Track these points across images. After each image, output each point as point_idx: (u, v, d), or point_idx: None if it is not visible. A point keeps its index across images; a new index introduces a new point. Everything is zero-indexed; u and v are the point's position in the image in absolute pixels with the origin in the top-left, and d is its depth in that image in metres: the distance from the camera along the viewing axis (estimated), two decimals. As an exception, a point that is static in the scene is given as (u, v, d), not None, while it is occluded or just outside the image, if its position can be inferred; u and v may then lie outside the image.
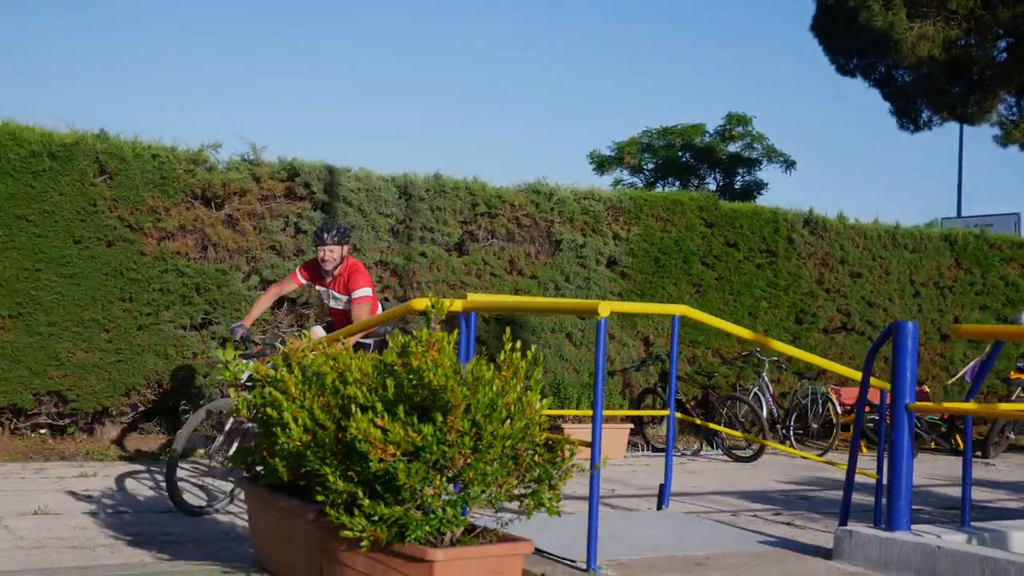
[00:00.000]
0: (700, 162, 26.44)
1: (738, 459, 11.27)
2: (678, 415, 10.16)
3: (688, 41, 59.89)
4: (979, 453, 11.91)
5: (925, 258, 14.04)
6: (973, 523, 5.63)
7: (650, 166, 26.90)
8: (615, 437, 11.06)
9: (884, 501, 5.22)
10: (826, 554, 5.17)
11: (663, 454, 11.63)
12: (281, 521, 4.87)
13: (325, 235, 8.15)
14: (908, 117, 20.49)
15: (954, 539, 4.81)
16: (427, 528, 3.96)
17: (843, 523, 5.23)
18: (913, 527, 5.08)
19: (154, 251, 10.21)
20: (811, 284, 13.33)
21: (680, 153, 26.40)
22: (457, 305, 5.68)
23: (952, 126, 24.77)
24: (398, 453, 3.90)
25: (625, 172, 27.19)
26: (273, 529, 4.98)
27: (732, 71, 58.97)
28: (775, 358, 12.34)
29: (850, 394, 12.47)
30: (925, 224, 15.36)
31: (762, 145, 26.32)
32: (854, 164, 61.71)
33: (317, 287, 8.44)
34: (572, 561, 4.73)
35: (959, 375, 13.28)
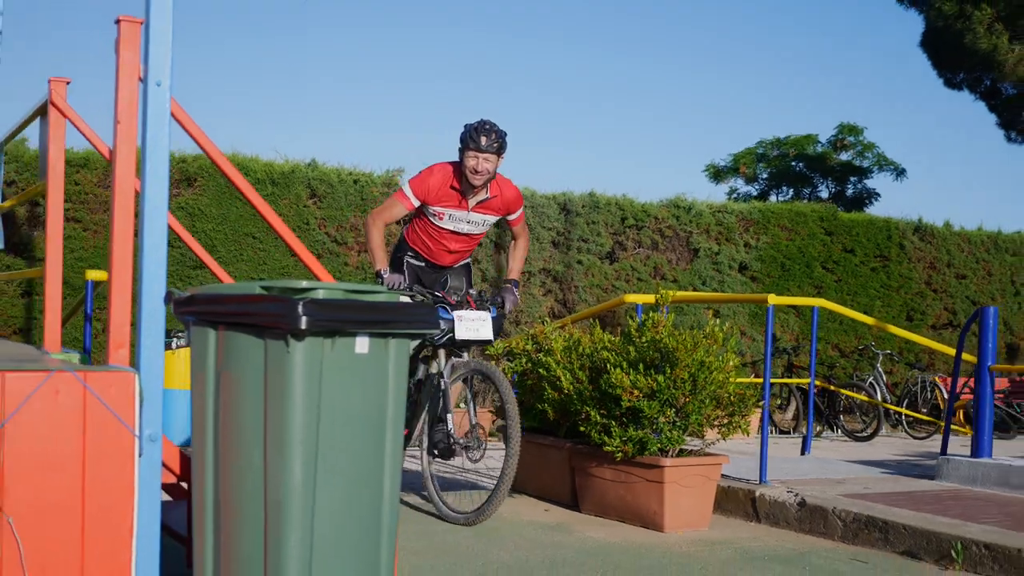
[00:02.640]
0: (812, 171, 28.16)
1: (856, 439, 13.19)
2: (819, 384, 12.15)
3: (801, 54, 61.75)
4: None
5: (1025, 261, 15.84)
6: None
7: (764, 176, 28.71)
8: (750, 428, 13.07)
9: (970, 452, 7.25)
10: (930, 476, 7.26)
11: (788, 436, 13.65)
12: (538, 453, 7.06)
13: (483, 139, 6.20)
14: (1014, 128, 22.14)
15: (1018, 463, 6.85)
16: (659, 445, 6.10)
17: (943, 453, 7.30)
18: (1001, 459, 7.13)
19: (355, 262, 12.49)
20: (920, 285, 15.19)
21: (793, 163, 28.17)
22: (651, 298, 7.83)
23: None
24: (640, 395, 6.05)
25: (740, 181, 29.03)
26: (532, 461, 7.16)
27: (844, 83, 60.58)
28: (888, 351, 14.22)
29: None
30: (1026, 230, 17.05)
31: (873, 154, 27.94)
32: (964, 171, 62.92)
33: (438, 208, 6.45)
34: (748, 479, 6.84)
35: None
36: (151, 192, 3.68)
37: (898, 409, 13.02)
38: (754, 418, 13.33)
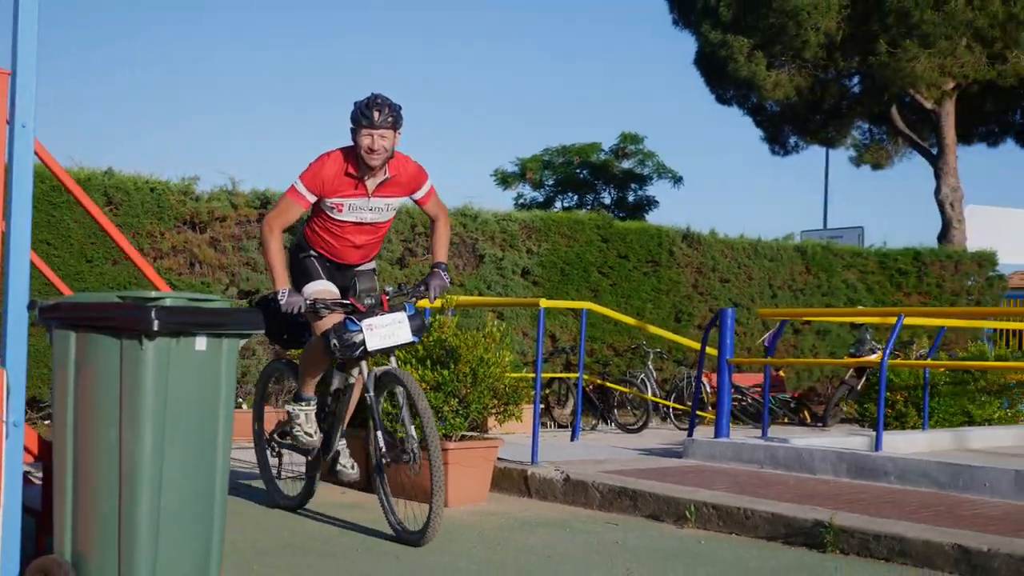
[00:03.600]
0: (596, 178, 29.77)
1: (627, 431, 14.52)
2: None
3: (587, 66, 64.80)
4: (820, 424, 15.38)
5: (781, 266, 17.56)
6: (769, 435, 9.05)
7: (550, 182, 30.18)
8: (527, 413, 14.27)
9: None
10: (678, 455, 8.52)
11: (566, 429, 14.90)
12: (337, 441, 7.96)
13: (375, 113, 5.83)
14: (777, 142, 24.28)
15: (754, 441, 8.19)
16: (443, 431, 7.11)
17: (690, 435, 8.58)
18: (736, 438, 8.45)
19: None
20: (688, 288, 16.69)
21: (577, 170, 29.72)
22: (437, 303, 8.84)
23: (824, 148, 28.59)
24: (427, 387, 7.05)
25: (527, 187, 30.41)
26: (330, 447, 8.06)
27: (627, 94, 63.97)
28: (658, 350, 15.65)
29: (714, 376, 15.85)
30: (783, 237, 18.82)
31: (653, 162, 29.74)
32: (740, 179, 67.28)
33: (336, 199, 6.02)
34: (522, 461, 7.93)
35: (762, 339, 16.60)
36: (17, 219, 4.46)
37: (666, 403, 14.44)
38: (529, 410, 14.58)
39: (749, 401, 15.14)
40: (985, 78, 19.22)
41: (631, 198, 29.82)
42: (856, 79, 22.14)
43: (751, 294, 17.25)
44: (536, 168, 30.10)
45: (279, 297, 5.93)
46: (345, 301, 6.06)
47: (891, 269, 18.80)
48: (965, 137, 25.40)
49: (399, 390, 5.97)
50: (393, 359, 6.11)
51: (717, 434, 8.42)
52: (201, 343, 4.37)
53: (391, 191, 6.09)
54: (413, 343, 6.06)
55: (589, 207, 29.02)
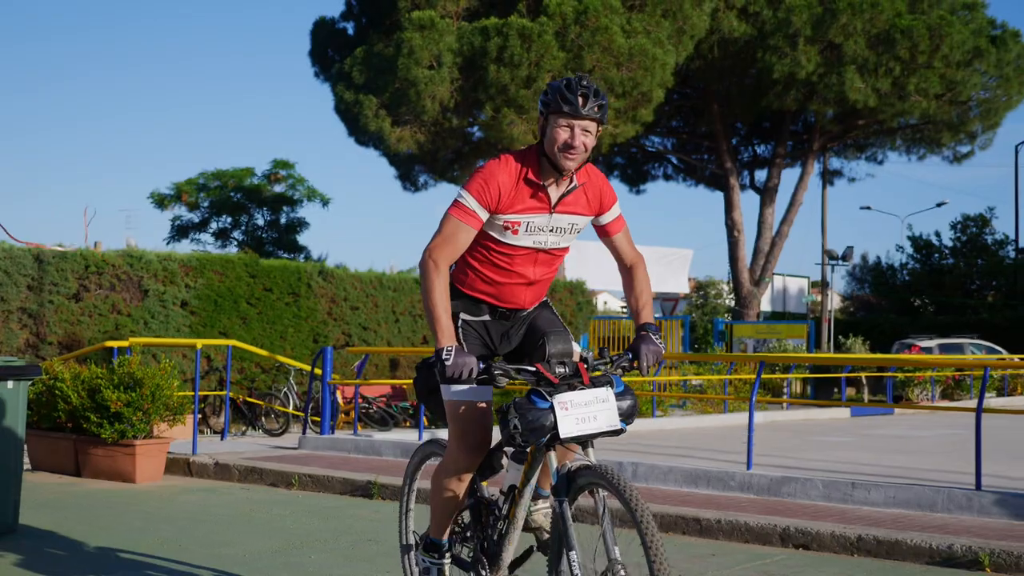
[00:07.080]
0: (250, 201, 33.99)
1: (272, 435, 18.98)
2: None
3: (241, 97, 69.14)
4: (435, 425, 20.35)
5: (403, 295, 22.51)
6: (358, 432, 13.84)
7: (206, 204, 34.15)
8: (190, 420, 18.51)
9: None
10: (296, 447, 13.20)
11: (220, 435, 19.20)
12: (53, 443, 12.14)
13: (580, 99, 4.70)
14: (408, 180, 29.42)
15: (345, 436, 12.94)
16: (132, 433, 11.44)
17: (303, 433, 13.26)
18: (336, 435, 13.20)
19: None
20: (324, 315, 21.35)
21: (232, 193, 33.85)
22: (127, 343, 13.12)
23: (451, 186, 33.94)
24: (122, 404, 11.36)
25: (183, 209, 34.27)
26: (47, 449, 12.21)
27: (279, 124, 69.11)
28: (299, 368, 20.21)
29: (348, 390, 20.58)
30: (407, 270, 23.81)
31: (304, 187, 34.27)
32: (386, 209, 73.94)
33: (512, 217, 4.89)
34: (186, 453, 12.34)
35: (353, 365, 21.57)
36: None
37: (298, 412, 18.99)
38: (191, 418, 18.88)
39: (375, 409, 19.86)
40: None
41: (283, 220, 34.23)
42: (478, 126, 27.45)
43: (378, 319, 22.12)
44: (191, 191, 34.00)
45: (444, 357, 4.64)
46: (530, 367, 4.70)
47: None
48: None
49: (601, 494, 4.54)
50: (591, 452, 4.73)
51: (322, 432, 13.14)
52: (10, 384, 8.63)
53: (576, 207, 5.00)
54: (621, 431, 4.67)
55: (243, 228, 33.32)
